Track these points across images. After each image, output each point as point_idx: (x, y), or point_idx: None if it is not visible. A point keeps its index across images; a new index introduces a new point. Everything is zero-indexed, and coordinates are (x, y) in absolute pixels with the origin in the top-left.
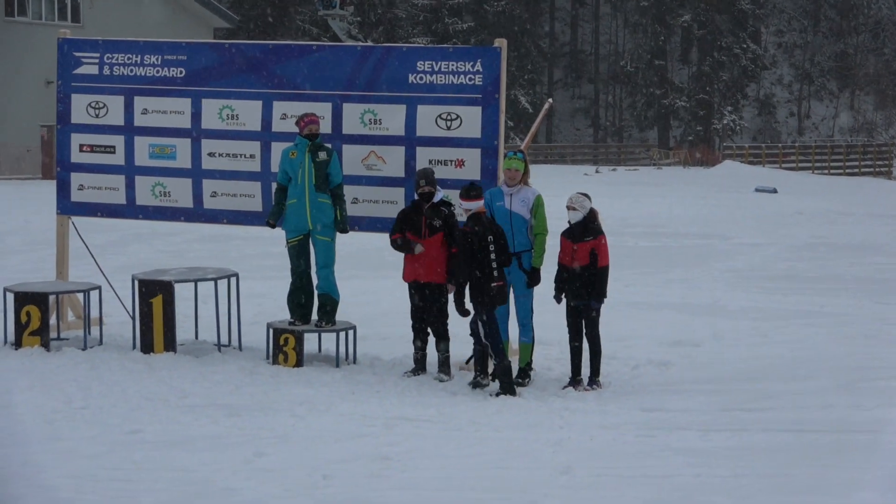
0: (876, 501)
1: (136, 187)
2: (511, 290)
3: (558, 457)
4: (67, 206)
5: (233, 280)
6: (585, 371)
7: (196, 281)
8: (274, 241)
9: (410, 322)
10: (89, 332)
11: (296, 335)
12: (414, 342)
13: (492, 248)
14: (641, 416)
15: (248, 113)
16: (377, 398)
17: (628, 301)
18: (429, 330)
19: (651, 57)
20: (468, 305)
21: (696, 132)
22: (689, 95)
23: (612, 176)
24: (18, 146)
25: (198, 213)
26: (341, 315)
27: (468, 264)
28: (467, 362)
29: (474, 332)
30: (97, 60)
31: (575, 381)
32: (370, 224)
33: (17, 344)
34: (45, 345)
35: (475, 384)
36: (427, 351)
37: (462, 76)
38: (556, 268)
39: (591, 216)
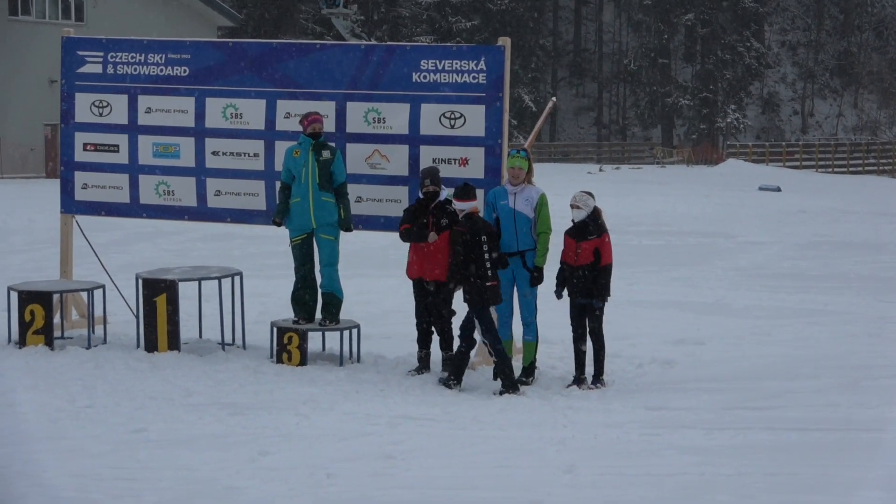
0: (880, 500)
1: (140, 186)
2: (515, 289)
3: (562, 455)
4: (71, 205)
5: (236, 279)
6: (589, 370)
7: (200, 280)
8: (277, 240)
9: (414, 321)
10: (93, 331)
11: (299, 334)
12: (418, 340)
13: (485, 247)
14: (645, 414)
15: (252, 112)
16: (381, 397)
17: (632, 299)
18: (433, 329)
19: (654, 55)
20: (465, 306)
21: (699, 130)
22: (693, 94)
23: (615, 174)
24: (22, 145)
25: (201, 212)
26: (345, 314)
27: (462, 264)
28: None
29: (463, 334)
30: (101, 59)
31: (579, 379)
32: (374, 223)
33: (21, 343)
34: (49, 344)
35: (445, 383)
36: (431, 349)
37: (466, 75)
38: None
39: (595, 214)
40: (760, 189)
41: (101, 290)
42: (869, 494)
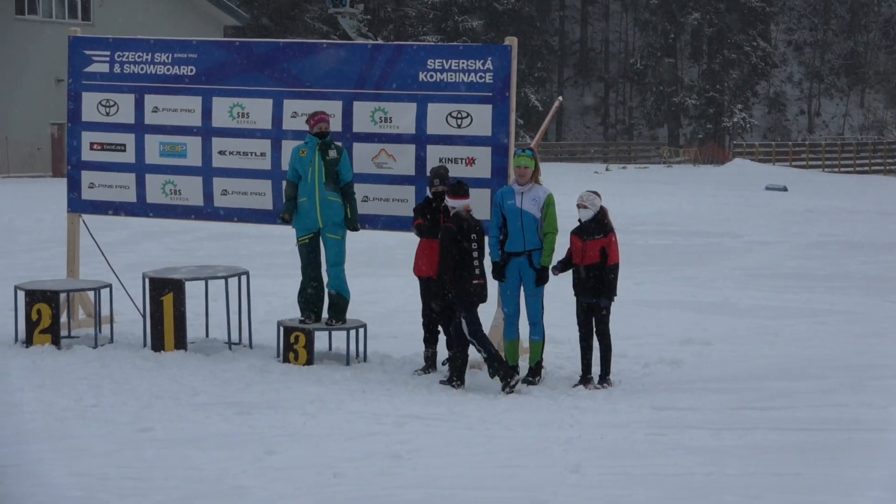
0: (886, 500)
1: (147, 185)
2: (521, 288)
3: (568, 455)
4: (78, 204)
5: (243, 278)
6: (596, 369)
7: (207, 279)
8: (284, 239)
9: (421, 320)
10: (100, 330)
11: (306, 333)
12: (424, 340)
13: (474, 245)
14: (652, 414)
15: (259, 111)
16: (387, 396)
17: (638, 299)
18: (439, 328)
19: (661, 55)
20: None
21: (706, 130)
22: (699, 93)
23: (621, 174)
24: (29, 144)
25: (208, 212)
26: (351, 313)
27: (449, 262)
28: (444, 363)
29: (455, 338)
30: (108, 59)
31: (585, 379)
32: (381, 222)
33: (28, 342)
34: (56, 343)
35: (449, 384)
36: (437, 349)
37: (472, 74)
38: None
39: (602, 214)
40: (767, 189)
41: (107, 289)
42: (875, 495)
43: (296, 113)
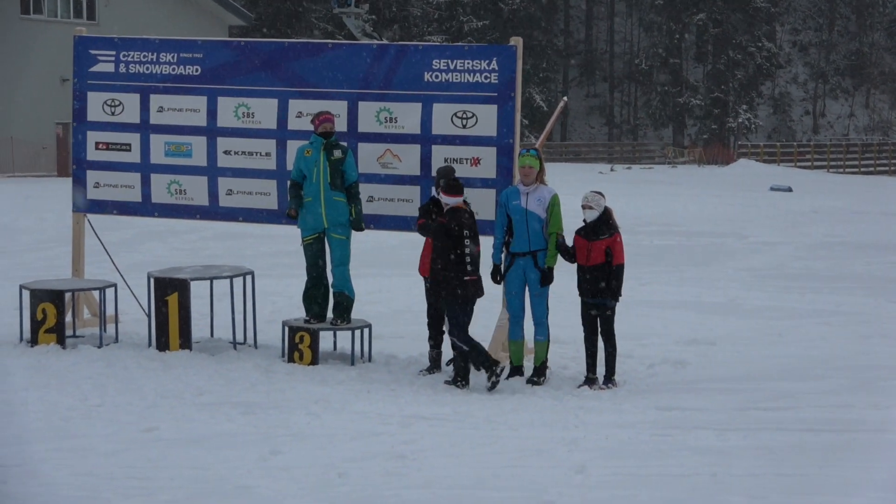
0: (891, 501)
1: (152, 185)
2: (527, 289)
3: (573, 456)
4: (83, 204)
5: (248, 278)
6: (601, 370)
7: (212, 279)
8: (289, 239)
9: (426, 320)
10: (105, 330)
11: (311, 333)
12: (429, 340)
13: (467, 242)
14: (657, 415)
15: (264, 111)
16: (392, 396)
17: (643, 300)
18: (444, 328)
19: (666, 55)
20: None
21: (710, 130)
22: (704, 94)
23: (626, 174)
24: (34, 143)
25: (213, 211)
26: (356, 313)
27: (443, 258)
28: (448, 363)
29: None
30: (113, 58)
31: (590, 379)
32: (385, 222)
33: (33, 341)
34: (61, 342)
35: (453, 384)
36: (443, 349)
37: (478, 74)
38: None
39: (606, 214)
40: (772, 189)
41: (112, 288)
42: (881, 496)
43: (301, 113)
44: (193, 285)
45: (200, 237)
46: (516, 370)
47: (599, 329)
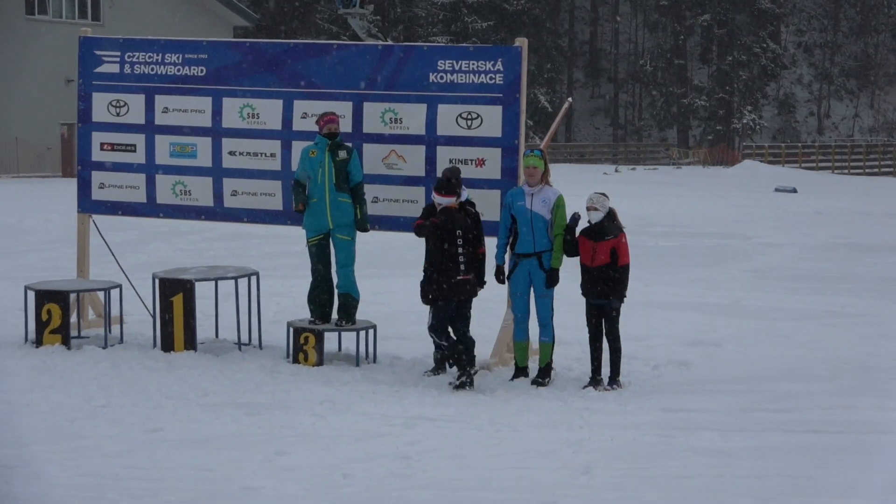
0: None
1: (157, 186)
2: (532, 289)
3: (578, 457)
4: (88, 205)
5: (253, 279)
6: (605, 371)
7: (217, 279)
8: (294, 240)
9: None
10: (110, 331)
11: (316, 334)
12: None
13: (459, 241)
14: (662, 416)
15: (269, 112)
16: (397, 397)
17: (648, 301)
18: (450, 329)
19: (670, 56)
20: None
21: (715, 131)
22: (709, 95)
23: (631, 175)
24: (38, 144)
25: (218, 212)
26: (361, 314)
27: (436, 257)
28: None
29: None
30: (118, 59)
31: (595, 380)
32: (390, 223)
33: (38, 342)
34: (66, 343)
35: (458, 386)
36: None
37: (483, 75)
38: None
39: (611, 215)
40: (776, 190)
41: (117, 289)
42: (886, 497)
43: (306, 114)
44: (198, 286)
45: (205, 238)
46: (521, 371)
47: (604, 330)
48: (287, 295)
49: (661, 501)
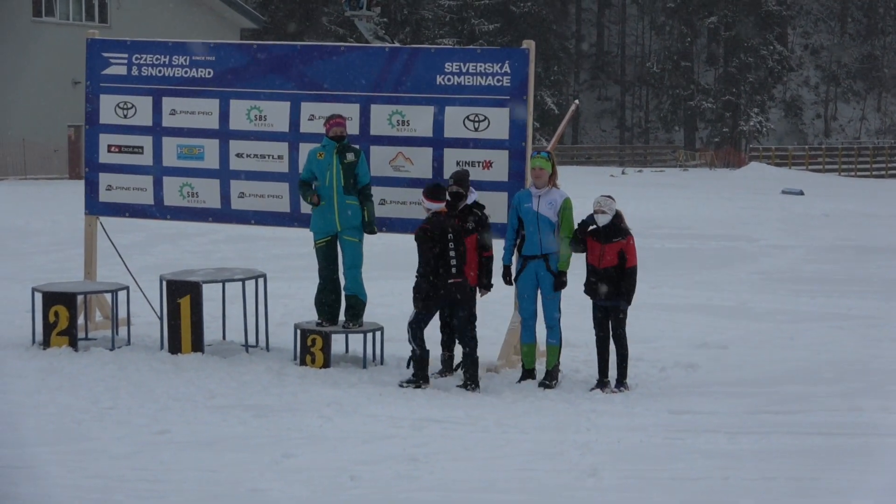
0: None
1: (164, 188)
2: (539, 291)
3: (585, 459)
4: (96, 207)
5: (260, 281)
6: (612, 373)
7: (224, 281)
8: (301, 242)
9: (437, 323)
10: (117, 333)
11: (323, 336)
12: (441, 343)
13: (451, 245)
14: (669, 418)
15: (276, 114)
16: (404, 399)
17: (655, 303)
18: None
19: (677, 58)
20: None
21: (722, 134)
22: (716, 97)
23: (638, 177)
24: (46, 146)
25: (225, 214)
26: (368, 316)
27: (428, 262)
28: (457, 368)
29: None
30: (125, 61)
31: (602, 382)
32: (398, 225)
33: (46, 344)
34: (73, 345)
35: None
36: (454, 352)
37: (490, 77)
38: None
39: (618, 218)
40: (783, 192)
41: (124, 291)
42: (892, 500)
43: (313, 116)
44: (205, 288)
45: (212, 240)
46: (528, 373)
47: (611, 332)
48: (294, 297)
49: (668, 503)
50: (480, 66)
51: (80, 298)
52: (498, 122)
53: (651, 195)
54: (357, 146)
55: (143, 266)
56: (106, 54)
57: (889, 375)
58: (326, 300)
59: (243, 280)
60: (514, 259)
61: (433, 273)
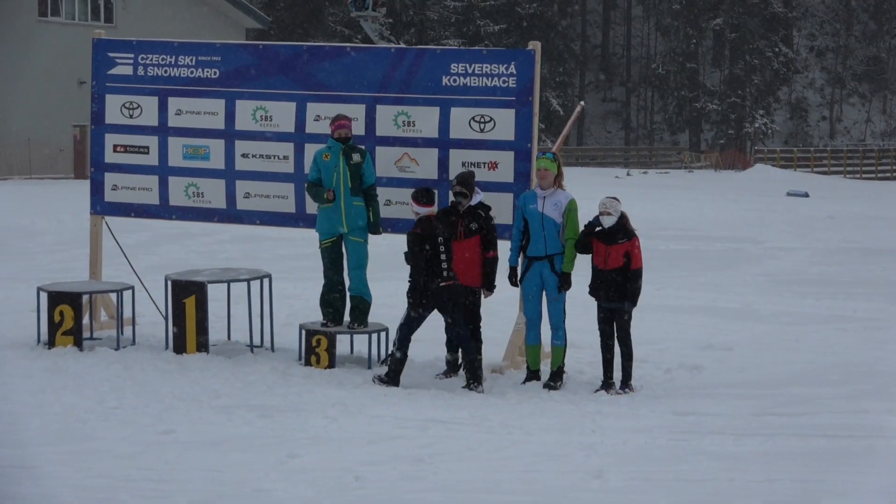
0: None
1: (170, 188)
2: (544, 293)
3: (590, 460)
4: (101, 206)
5: (265, 281)
6: (617, 375)
7: (229, 282)
8: (306, 242)
9: (442, 324)
10: (122, 333)
11: (328, 336)
12: (446, 344)
13: (442, 248)
14: (674, 419)
15: (282, 114)
16: (409, 400)
17: (660, 304)
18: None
19: (683, 60)
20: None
21: (727, 135)
22: (721, 98)
23: (643, 179)
24: (51, 146)
25: (231, 214)
26: (373, 317)
27: (418, 265)
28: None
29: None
30: (132, 61)
31: (607, 384)
32: (403, 226)
33: (51, 343)
34: (78, 344)
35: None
36: (459, 353)
37: (496, 78)
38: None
39: (623, 219)
40: (788, 194)
41: (130, 291)
42: None
43: (319, 116)
44: (211, 288)
45: (217, 240)
46: (533, 375)
47: (616, 334)
48: (299, 297)
49: None
50: (486, 67)
51: (85, 298)
52: (504, 123)
53: (656, 197)
54: (363, 146)
55: (148, 266)
56: (112, 54)
57: (894, 377)
58: (331, 301)
59: (248, 280)
60: (519, 260)
61: (425, 277)
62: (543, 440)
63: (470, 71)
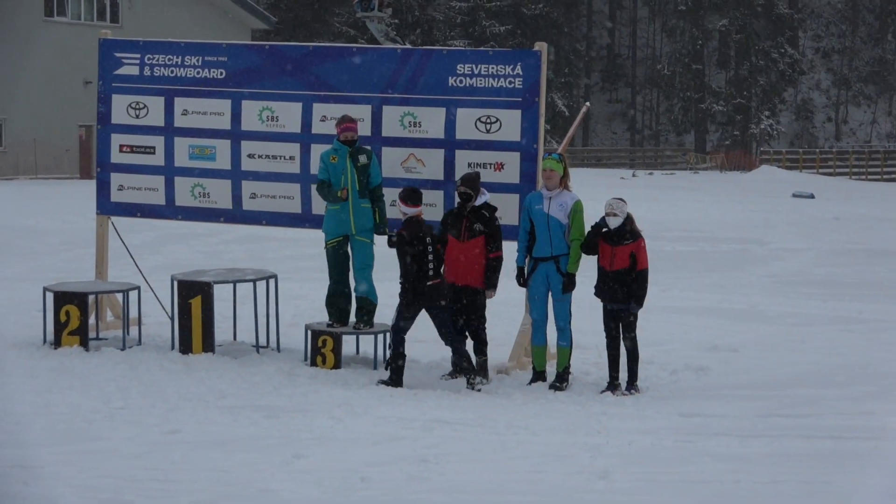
0: None
1: (176, 188)
2: (549, 294)
3: (596, 462)
4: (107, 207)
5: (271, 281)
6: (623, 376)
7: (235, 282)
8: (312, 243)
9: None
10: (128, 333)
11: (334, 337)
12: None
13: (429, 248)
14: (679, 421)
15: (288, 115)
16: (415, 400)
17: (665, 306)
18: (466, 333)
19: (688, 61)
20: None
21: (733, 136)
22: (727, 100)
23: (648, 180)
24: (57, 146)
25: (237, 215)
26: (378, 317)
27: (407, 265)
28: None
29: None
30: (138, 61)
31: (613, 385)
32: None
33: (57, 343)
34: (84, 344)
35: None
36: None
37: (502, 79)
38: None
39: (629, 220)
40: (794, 196)
41: (136, 291)
42: None
43: (325, 117)
44: (216, 288)
45: (223, 240)
46: (539, 375)
47: (622, 335)
48: (305, 298)
49: None
50: (492, 68)
51: (91, 298)
52: (510, 124)
53: (662, 198)
54: (369, 147)
55: (154, 266)
56: (118, 54)
57: None
58: (337, 301)
59: (254, 280)
60: (526, 261)
61: (413, 277)
62: (549, 441)
63: (476, 72)
